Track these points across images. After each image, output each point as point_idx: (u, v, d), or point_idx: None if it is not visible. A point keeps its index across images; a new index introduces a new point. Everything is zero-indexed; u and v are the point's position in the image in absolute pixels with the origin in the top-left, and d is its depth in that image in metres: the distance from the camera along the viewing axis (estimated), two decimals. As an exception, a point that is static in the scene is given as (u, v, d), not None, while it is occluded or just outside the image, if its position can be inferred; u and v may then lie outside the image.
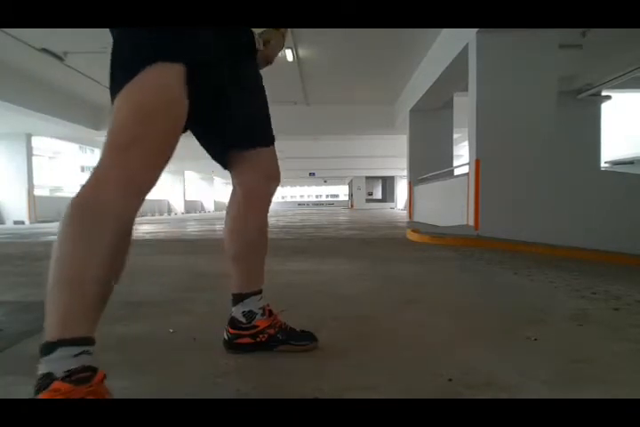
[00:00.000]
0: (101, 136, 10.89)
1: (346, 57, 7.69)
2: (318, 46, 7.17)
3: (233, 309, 1.21)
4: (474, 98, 4.79)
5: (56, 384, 0.70)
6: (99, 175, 0.81)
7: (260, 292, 1.24)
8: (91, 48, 6.29)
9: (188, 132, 1.00)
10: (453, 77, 6.54)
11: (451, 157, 8.92)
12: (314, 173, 26.04)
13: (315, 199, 59.39)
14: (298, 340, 1.23)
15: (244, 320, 1.20)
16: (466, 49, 5.10)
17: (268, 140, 1.18)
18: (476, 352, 1.24)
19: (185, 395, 0.96)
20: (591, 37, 5.61)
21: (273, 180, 1.22)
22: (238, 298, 1.21)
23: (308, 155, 18.15)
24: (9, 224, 10.84)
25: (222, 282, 2.39)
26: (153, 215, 17.25)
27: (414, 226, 6.99)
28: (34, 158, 11.98)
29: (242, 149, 1.13)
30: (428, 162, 8.60)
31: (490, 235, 4.52)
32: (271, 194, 1.23)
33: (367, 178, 28.46)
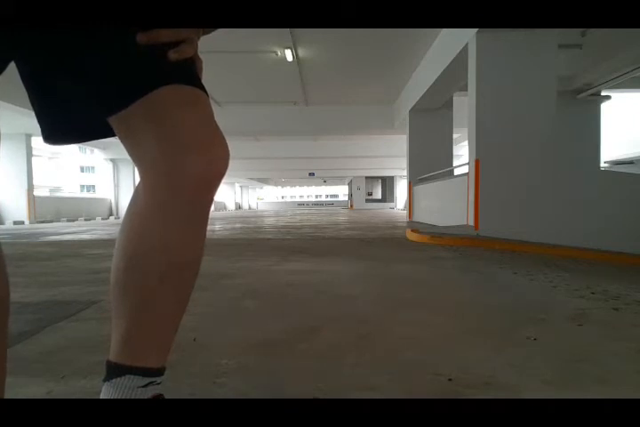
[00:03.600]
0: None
1: (346, 57, 7.70)
2: (318, 46, 7.18)
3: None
4: (474, 98, 4.79)
5: None
6: None
7: (150, 372, 0.70)
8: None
9: None
10: (453, 77, 6.55)
11: (450, 157, 8.93)
12: (313, 174, 26.04)
13: (314, 199, 59.42)
14: None
15: None
16: (465, 49, 5.10)
17: (163, 76, 0.65)
18: (476, 352, 1.24)
19: (185, 395, 0.96)
20: (591, 37, 5.62)
21: (194, 151, 0.65)
22: (113, 370, 0.70)
23: (308, 155, 18.15)
24: (8, 224, 10.84)
25: (222, 282, 2.40)
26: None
27: (414, 226, 7.00)
28: (33, 158, 11.97)
29: (122, 101, 0.64)
30: (428, 162, 8.61)
31: (489, 235, 4.52)
32: (198, 182, 0.66)
33: (367, 178, 28.46)
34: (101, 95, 0.65)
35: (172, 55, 0.65)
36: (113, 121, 0.67)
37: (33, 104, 0.70)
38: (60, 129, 0.71)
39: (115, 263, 0.70)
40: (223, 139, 0.70)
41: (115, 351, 0.70)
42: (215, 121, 0.70)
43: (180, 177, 0.65)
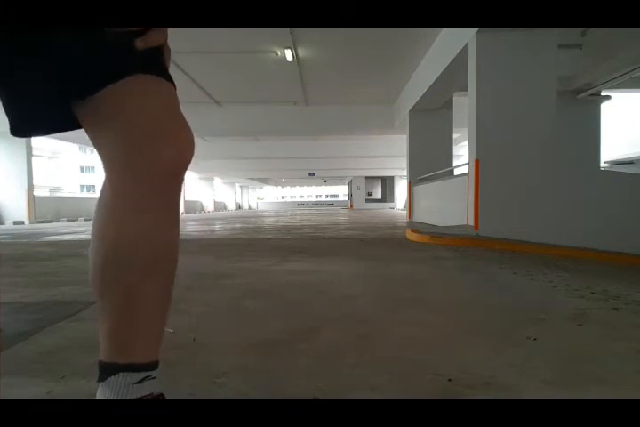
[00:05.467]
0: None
1: (346, 57, 7.70)
2: (318, 46, 7.18)
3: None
4: (474, 98, 4.79)
5: None
6: None
7: (141, 368, 0.70)
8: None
9: None
10: (453, 77, 6.55)
11: (450, 157, 8.93)
12: (313, 174, 26.04)
13: (314, 199, 59.43)
14: None
15: None
16: (465, 49, 5.10)
17: (129, 65, 0.65)
18: (476, 352, 1.24)
19: (185, 395, 0.96)
20: (591, 37, 5.62)
21: (158, 141, 0.65)
22: (105, 370, 0.70)
23: (308, 155, 18.16)
24: (8, 224, 10.84)
25: (222, 282, 2.40)
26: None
27: (414, 226, 6.99)
28: (33, 158, 11.97)
29: (89, 88, 0.64)
30: (428, 162, 8.61)
31: (490, 235, 4.52)
32: (163, 172, 0.66)
33: (367, 178, 28.46)
34: (67, 81, 0.63)
35: (139, 44, 0.64)
36: (78, 109, 0.67)
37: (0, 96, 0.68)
38: (26, 121, 0.69)
39: (93, 262, 0.69)
40: (187, 128, 0.70)
41: (105, 350, 0.70)
42: (180, 111, 0.70)
43: (145, 167, 0.65)
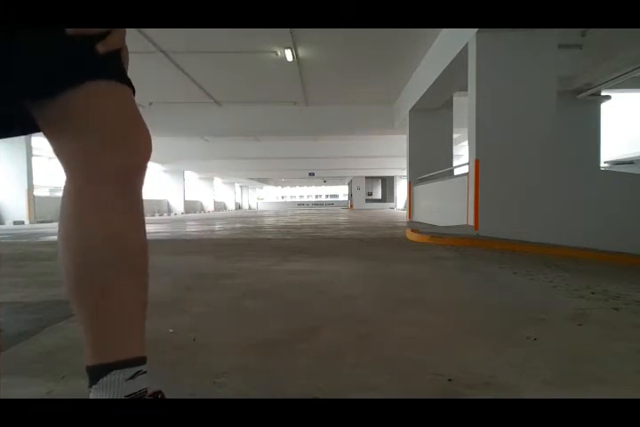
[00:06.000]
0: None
1: (346, 57, 7.70)
2: (318, 46, 7.18)
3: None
4: (474, 98, 4.79)
5: None
6: None
7: (131, 363, 0.70)
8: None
9: None
10: (453, 77, 6.55)
11: (450, 157, 8.93)
12: (313, 173, 26.04)
13: (314, 199, 59.40)
14: None
15: None
16: (465, 49, 5.10)
17: (88, 70, 0.65)
18: (476, 352, 1.24)
19: (185, 395, 0.96)
20: (591, 37, 5.62)
21: (111, 145, 0.67)
22: (94, 373, 0.69)
23: (308, 155, 18.15)
24: (9, 224, 10.83)
25: (222, 282, 2.40)
26: (153, 215, 17.24)
27: (414, 226, 6.99)
28: (33, 158, 11.97)
29: (47, 90, 0.64)
30: (428, 162, 8.61)
31: (490, 235, 4.52)
32: (117, 175, 0.68)
33: (367, 178, 28.47)
34: (26, 81, 0.63)
35: (100, 48, 0.65)
36: (36, 112, 0.67)
37: None
38: None
39: (65, 266, 0.71)
40: (144, 131, 0.72)
41: (90, 354, 0.70)
42: (137, 114, 0.72)
43: (103, 171, 0.67)
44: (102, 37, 0.65)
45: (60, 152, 0.69)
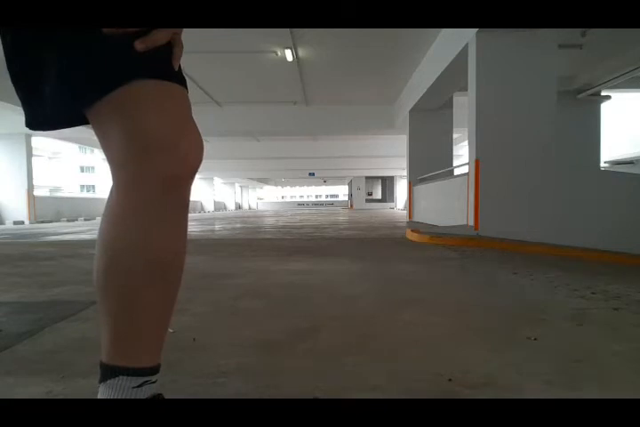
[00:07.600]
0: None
1: (346, 57, 7.69)
2: (318, 46, 7.17)
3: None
4: (474, 98, 4.79)
5: None
6: None
7: (141, 372, 0.69)
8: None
9: None
10: (453, 77, 6.54)
11: (450, 157, 8.93)
12: (313, 173, 26.04)
13: (314, 199, 59.43)
14: None
15: None
16: (466, 49, 5.10)
17: (130, 70, 0.63)
18: (475, 352, 1.24)
19: (185, 395, 0.96)
20: (591, 37, 5.61)
21: (160, 150, 0.63)
22: (106, 371, 0.69)
23: (308, 155, 18.16)
24: (9, 224, 10.84)
25: (222, 282, 2.40)
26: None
27: (414, 226, 6.99)
28: (33, 158, 11.97)
29: (91, 95, 0.63)
30: (428, 162, 8.61)
31: (489, 235, 4.52)
32: (166, 182, 0.65)
33: (367, 178, 28.46)
34: (70, 89, 0.62)
35: (139, 46, 0.62)
36: (88, 115, 0.66)
37: (17, 91, 0.68)
38: (40, 116, 0.68)
39: (96, 265, 0.70)
40: (194, 134, 0.68)
41: (106, 352, 0.69)
42: (189, 115, 0.69)
43: (148, 178, 0.64)
44: (143, 34, 0.61)
45: (107, 152, 0.67)
